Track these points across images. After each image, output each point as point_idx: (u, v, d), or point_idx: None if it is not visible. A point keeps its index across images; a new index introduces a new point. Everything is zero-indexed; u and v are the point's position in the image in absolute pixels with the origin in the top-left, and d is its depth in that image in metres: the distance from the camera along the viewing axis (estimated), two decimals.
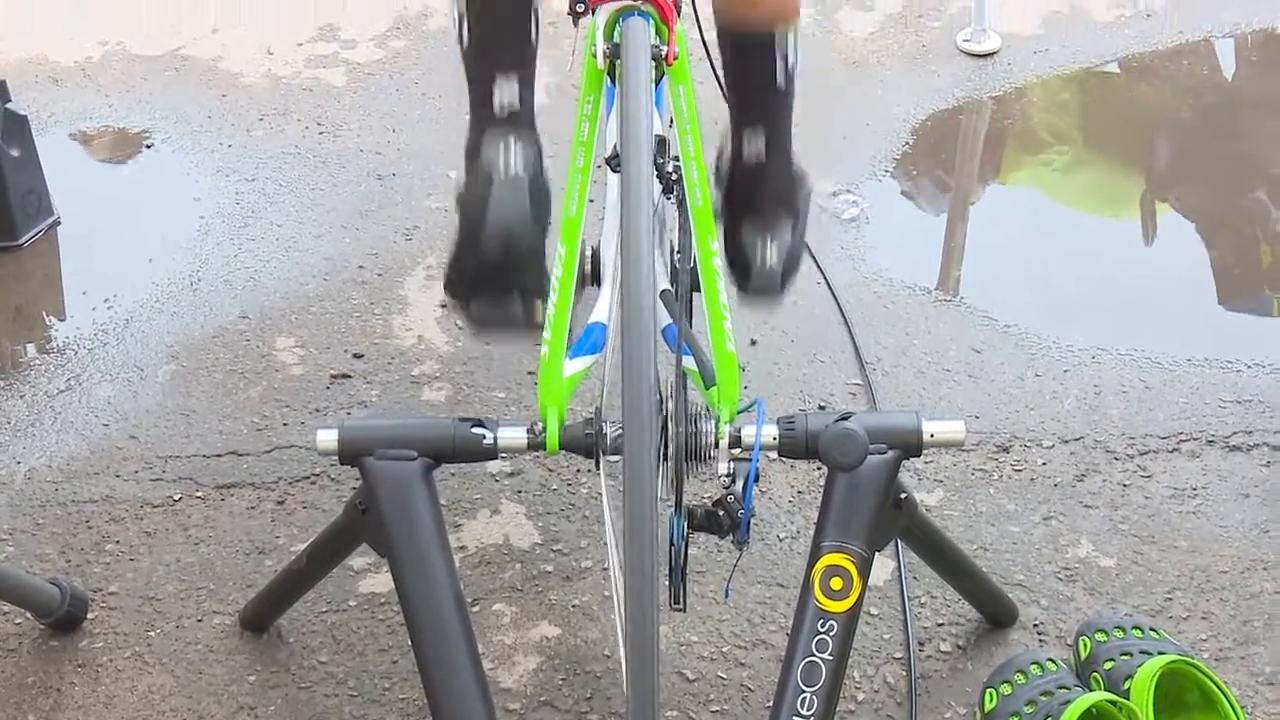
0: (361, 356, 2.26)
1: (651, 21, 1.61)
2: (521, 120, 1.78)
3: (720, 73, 1.91)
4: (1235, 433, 2.13)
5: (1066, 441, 2.11)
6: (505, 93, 1.79)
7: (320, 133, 2.76)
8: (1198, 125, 2.84)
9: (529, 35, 1.81)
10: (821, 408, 2.15)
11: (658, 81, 1.70)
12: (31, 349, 2.30)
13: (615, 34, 1.60)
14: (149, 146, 2.74)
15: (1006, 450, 2.10)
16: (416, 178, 2.65)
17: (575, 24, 1.65)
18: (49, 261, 2.48)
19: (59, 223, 2.54)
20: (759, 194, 1.87)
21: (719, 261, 1.62)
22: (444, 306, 2.36)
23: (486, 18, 1.80)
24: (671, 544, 1.51)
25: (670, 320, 1.61)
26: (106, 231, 2.54)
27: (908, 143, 2.74)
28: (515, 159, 1.78)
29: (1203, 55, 2.97)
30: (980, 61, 2.92)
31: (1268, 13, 3.03)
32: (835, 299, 2.37)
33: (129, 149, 2.74)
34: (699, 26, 1.90)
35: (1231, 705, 1.61)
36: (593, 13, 1.63)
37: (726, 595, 1.87)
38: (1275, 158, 2.76)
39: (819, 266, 2.41)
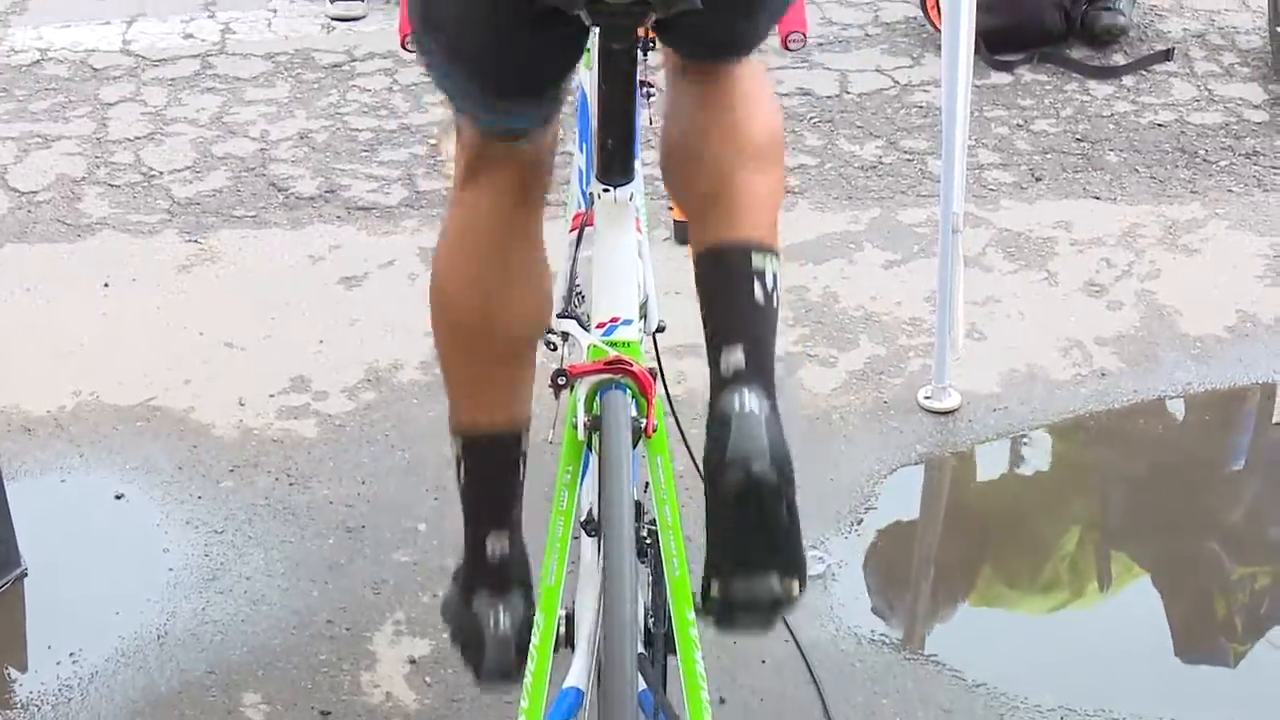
0: (329, 714, 2.29)
1: (630, 393, 1.71)
2: (512, 568, 1.90)
3: (691, 452, 2.00)
4: None
5: None
6: (497, 545, 1.90)
7: (290, 484, 2.84)
8: (1153, 482, 2.96)
9: (517, 485, 1.93)
10: None
11: (634, 445, 1.80)
12: None
13: (595, 406, 1.70)
14: (119, 497, 2.81)
15: None
16: (386, 530, 2.72)
17: (556, 396, 1.75)
18: (14, 614, 2.52)
19: (26, 574, 2.59)
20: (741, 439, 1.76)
21: (695, 631, 1.68)
22: (412, 662, 2.41)
23: (480, 469, 1.93)
24: None
25: (645, 686, 1.66)
26: (74, 583, 2.59)
27: (872, 499, 2.83)
28: (504, 619, 1.88)
29: (1157, 414, 3.11)
30: (942, 419, 3.04)
31: (1218, 373, 3.18)
32: (803, 656, 2.43)
33: (99, 500, 2.81)
34: (668, 395, 2.01)
35: None
36: (573, 387, 1.73)
37: None
38: (1227, 512, 2.88)
39: (786, 624, 2.47)
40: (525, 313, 1.97)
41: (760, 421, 1.73)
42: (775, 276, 1.85)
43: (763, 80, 1.99)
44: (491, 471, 1.95)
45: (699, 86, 1.93)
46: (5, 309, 3.35)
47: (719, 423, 1.73)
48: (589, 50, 2.34)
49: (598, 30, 1.82)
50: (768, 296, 1.82)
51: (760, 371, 1.78)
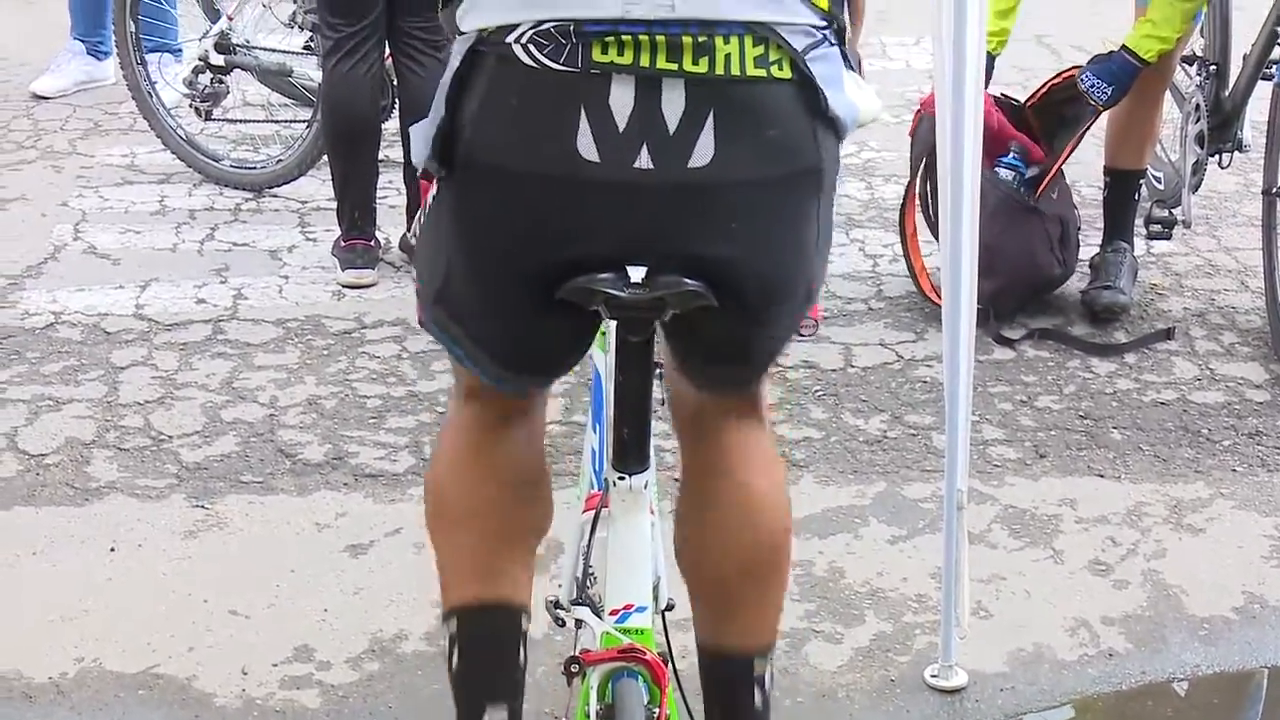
0: None
1: (643, 680, 1.77)
2: None
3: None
4: None
5: None
6: (495, 717, 1.95)
7: None
8: None
9: (518, 663, 2.00)
10: None
11: None
12: None
13: (608, 694, 1.75)
14: None
15: None
16: None
17: (569, 683, 1.81)
18: None
19: None
20: None
21: None
22: None
23: (478, 642, 2.00)
24: None
25: None
26: None
27: None
28: None
29: (1165, 697, 3.15)
30: (949, 698, 3.08)
31: (1226, 656, 3.23)
32: None
33: None
34: (675, 673, 2.06)
35: None
36: (585, 674, 1.79)
37: None
38: None
39: None
40: (523, 523, 2.12)
41: None
42: (771, 673, 2.16)
43: (772, 462, 2.16)
44: (489, 645, 2.02)
45: (709, 483, 2.10)
46: (10, 572, 3.41)
47: None
48: (604, 332, 2.45)
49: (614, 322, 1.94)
50: (765, 699, 2.12)
51: None
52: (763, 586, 2.10)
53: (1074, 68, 4.58)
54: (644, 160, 1.90)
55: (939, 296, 4.31)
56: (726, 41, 1.91)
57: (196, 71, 5.38)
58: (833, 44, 2.03)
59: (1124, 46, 4.36)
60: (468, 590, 2.07)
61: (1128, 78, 4.37)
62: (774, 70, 1.94)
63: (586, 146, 1.90)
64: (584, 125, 1.90)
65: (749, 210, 1.93)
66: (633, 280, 1.81)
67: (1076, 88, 4.45)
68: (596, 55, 1.89)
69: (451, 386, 2.43)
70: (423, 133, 2.03)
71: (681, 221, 1.92)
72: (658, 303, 1.80)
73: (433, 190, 2.13)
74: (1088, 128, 4.54)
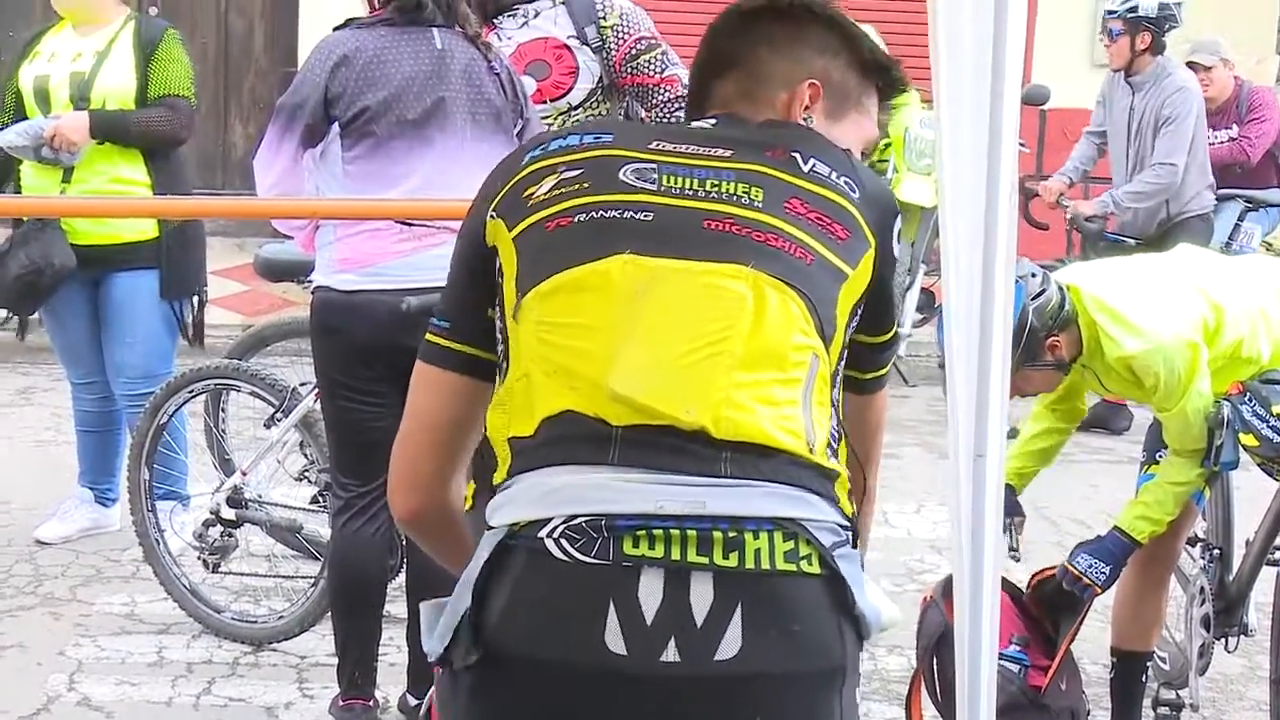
0: None
1: None
2: None
3: None
4: None
5: None
6: None
7: None
8: None
9: None
10: None
11: None
12: None
13: None
14: None
15: None
16: None
17: None
18: None
19: None
20: None
21: None
22: None
23: None
24: None
25: None
26: None
27: None
28: None
29: None
30: None
31: None
32: None
33: None
34: None
35: None
36: None
37: None
38: None
39: None
40: None
41: None
42: None
43: None
44: None
45: None
46: None
47: None
48: None
49: None
50: None
51: None
52: None
53: (1050, 568, 4.61)
54: (671, 653, 1.94)
55: None
56: (756, 537, 1.98)
57: (207, 524, 5.45)
58: (854, 547, 2.10)
59: (1116, 527, 4.44)
60: None
61: (1123, 556, 4.43)
62: (804, 565, 2.00)
63: (614, 640, 1.95)
64: (612, 618, 1.94)
65: (773, 704, 1.96)
66: None
67: (1061, 576, 4.46)
68: (628, 549, 1.96)
69: None
70: (439, 627, 2.06)
71: (705, 714, 1.94)
72: None
73: (438, 686, 2.14)
74: (1086, 612, 4.55)
